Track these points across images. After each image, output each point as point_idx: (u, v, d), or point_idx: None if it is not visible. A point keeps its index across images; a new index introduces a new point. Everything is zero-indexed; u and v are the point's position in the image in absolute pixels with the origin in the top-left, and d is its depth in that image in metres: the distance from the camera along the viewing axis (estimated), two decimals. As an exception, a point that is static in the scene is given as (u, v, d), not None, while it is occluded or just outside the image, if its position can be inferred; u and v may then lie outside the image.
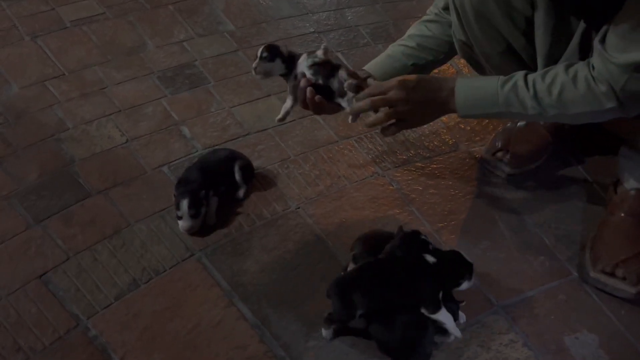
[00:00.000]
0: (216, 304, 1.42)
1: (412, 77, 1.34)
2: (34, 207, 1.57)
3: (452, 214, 1.64)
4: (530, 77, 1.30)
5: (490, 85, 1.33)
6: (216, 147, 1.73)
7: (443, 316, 1.31)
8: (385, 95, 1.32)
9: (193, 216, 1.51)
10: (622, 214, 1.52)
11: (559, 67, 1.29)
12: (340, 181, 1.71)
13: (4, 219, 1.54)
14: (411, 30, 1.57)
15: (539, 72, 1.31)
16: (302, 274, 1.49)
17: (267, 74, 1.38)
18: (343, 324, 1.34)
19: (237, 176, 1.61)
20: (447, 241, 1.57)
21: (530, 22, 1.38)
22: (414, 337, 1.31)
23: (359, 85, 1.34)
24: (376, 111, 1.36)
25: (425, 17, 1.58)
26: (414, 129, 1.83)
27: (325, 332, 1.35)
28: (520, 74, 1.31)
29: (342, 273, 1.40)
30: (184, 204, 1.50)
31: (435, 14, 1.56)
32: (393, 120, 1.36)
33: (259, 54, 1.37)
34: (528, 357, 1.37)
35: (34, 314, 1.38)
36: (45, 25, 2.04)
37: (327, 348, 1.36)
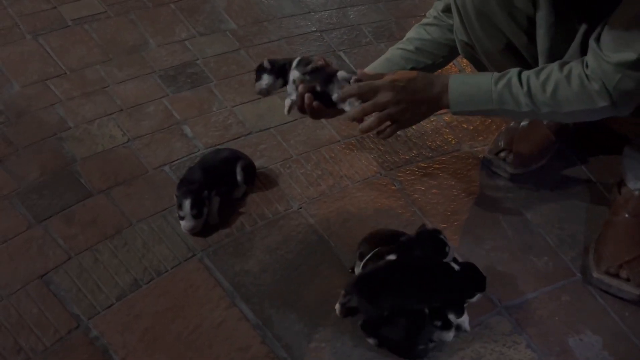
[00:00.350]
0: (218, 304, 1.41)
1: (402, 77, 1.32)
2: (35, 207, 1.56)
3: (454, 214, 1.64)
4: (525, 74, 1.30)
5: (484, 81, 1.32)
6: (218, 147, 1.73)
7: (464, 321, 1.36)
8: (375, 100, 1.30)
9: (195, 216, 1.50)
10: (626, 215, 1.52)
11: (554, 65, 1.29)
12: (343, 181, 1.70)
13: (5, 218, 1.54)
14: (410, 34, 1.56)
15: (534, 69, 1.30)
16: (304, 274, 1.48)
17: (266, 92, 1.44)
18: (376, 325, 1.34)
19: (239, 177, 1.60)
20: (449, 241, 1.56)
21: (532, 21, 1.37)
22: (412, 333, 1.32)
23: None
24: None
25: (424, 21, 1.57)
26: (416, 129, 1.83)
27: (371, 341, 1.34)
28: (514, 71, 1.31)
29: (352, 270, 1.42)
30: (187, 203, 1.50)
31: (435, 17, 1.55)
32: (388, 123, 1.34)
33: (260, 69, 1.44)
34: (532, 359, 1.36)
35: (35, 314, 1.37)
36: (46, 24, 2.03)
37: (329, 349, 1.35)
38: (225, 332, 1.37)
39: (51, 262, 1.46)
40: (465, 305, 1.35)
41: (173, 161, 1.71)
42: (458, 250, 1.52)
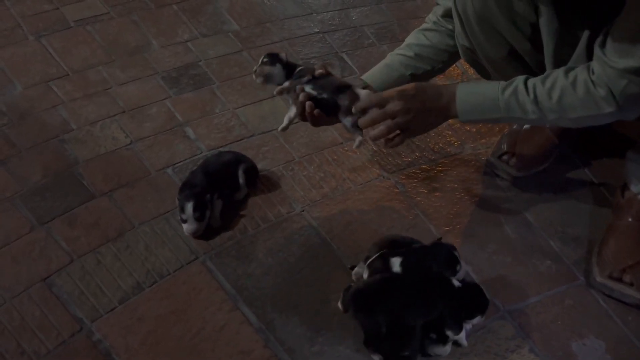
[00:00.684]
0: (220, 307, 1.41)
1: (411, 86, 1.34)
2: (38, 209, 1.56)
3: (457, 217, 1.63)
4: (531, 81, 1.31)
5: (491, 90, 1.33)
6: (221, 150, 1.72)
7: (462, 337, 1.35)
8: (385, 109, 1.32)
9: (198, 219, 1.50)
10: (630, 219, 1.51)
11: (559, 71, 1.29)
12: (345, 183, 1.70)
13: (8, 220, 1.54)
14: (409, 39, 1.55)
15: (539, 76, 1.31)
16: (307, 277, 1.48)
17: (267, 79, 1.40)
18: (377, 340, 1.33)
19: (241, 179, 1.60)
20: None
21: (534, 27, 1.37)
22: (401, 343, 1.32)
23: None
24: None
25: (423, 26, 1.56)
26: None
27: (376, 357, 1.34)
28: (520, 79, 1.32)
29: (353, 284, 1.40)
30: (189, 206, 1.49)
31: (434, 22, 1.54)
32: (397, 132, 1.35)
33: (260, 60, 1.40)
34: (534, 363, 1.37)
35: (37, 317, 1.37)
36: (49, 25, 2.03)
37: (332, 352, 1.35)
38: (228, 336, 1.37)
39: (54, 264, 1.46)
40: (464, 323, 1.35)
41: (176, 163, 1.70)
42: (461, 253, 1.52)
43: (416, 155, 1.78)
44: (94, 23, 2.06)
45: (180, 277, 1.47)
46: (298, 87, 1.36)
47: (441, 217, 1.63)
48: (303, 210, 1.62)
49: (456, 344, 1.36)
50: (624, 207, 1.54)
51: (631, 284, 1.46)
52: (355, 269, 1.46)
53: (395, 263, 1.37)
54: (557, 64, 1.35)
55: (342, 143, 1.80)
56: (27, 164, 1.66)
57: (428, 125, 1.39)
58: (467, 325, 1.36)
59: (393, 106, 1.32)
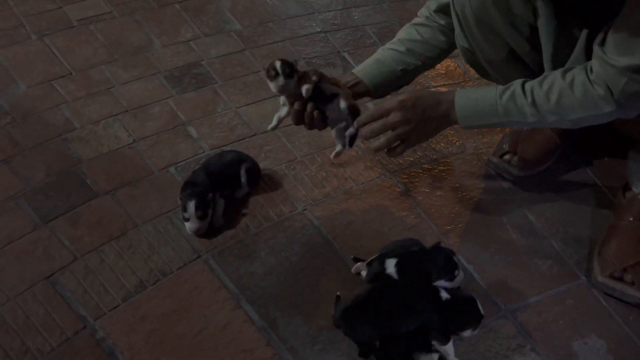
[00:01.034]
0: (223, 306, 1.42)
1: (410, 96, 1.35)
2: (41, 208, 1.57)
3: (459, 216, 1.64)
4: (528, 84, 1.31)
5: (489, 95, 1.34)
6: (223, 149, 1.73)
7: (449, 347, 1.32)
8: (385, 120, 1.35)
9: (200, 218, 1.51)
10: (631, 219, 1.52)
11: (557, 73, 1.30)
12: (347, 183, 1.70)
13: (11, 219, 1.54)
14: (401, 34, 1.55)
15: (537, 79, 1.32)
16: (309, 276, 1.49)
17: (282, 90, 1.36)
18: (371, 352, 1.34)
19: (243, 179, 1.60)
20: (454, 244, 1.56)
21: (532, 28, 1.38)
22: (396, 351, 1.33)
23: (357, 111, 1.39)
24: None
25: (415, 20, 1.56)
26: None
27: None
28: (518, 82, 1.32)
29: (341, 294, 1.37)
30: (191, 205, 1.50)
31: (426, 17, 1.54)
32: (398, 142, 1.37)
33: (279, 70, 1.32)
34: (535, 362, 1.37)
35: (41, 315, 1.38)
36: (52, 24, 2.03)
37: (335, 352, 1.36)
38: (231, 334, 1.38)
39: (57, 263, 1.47)
40: (453, 335, 1.32)
41: (178, 162, 1.71)
42: (462, 253, 1.53)
43: (418, 155, 1.79)
44: (96, 22, 2.07)
45: (182, 276, 1.47)
46: (309, 106, 1.36)
47: (443, 217, 1.63)
48: (305, 210, 1.63)
49: (443, 357, 1.34)
50: (626, 207, 1.54)
51: (632, 284, 1.46)
52: (357, 264, 1.46)
53: (390, 264, 1.36)
54: (556, 65, 1.36)
55: (344, 142, 1.81)
56: (31, 163, 1.67)
57: (429, 134, 1.40)
58: (456, 338, 1.33)
59: (393, 117, 1.34)
